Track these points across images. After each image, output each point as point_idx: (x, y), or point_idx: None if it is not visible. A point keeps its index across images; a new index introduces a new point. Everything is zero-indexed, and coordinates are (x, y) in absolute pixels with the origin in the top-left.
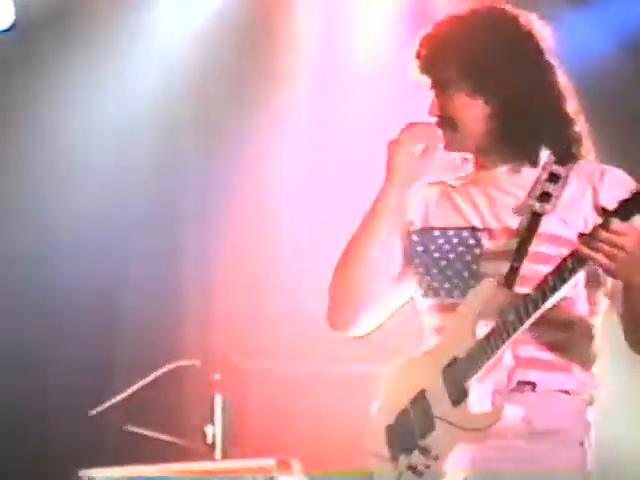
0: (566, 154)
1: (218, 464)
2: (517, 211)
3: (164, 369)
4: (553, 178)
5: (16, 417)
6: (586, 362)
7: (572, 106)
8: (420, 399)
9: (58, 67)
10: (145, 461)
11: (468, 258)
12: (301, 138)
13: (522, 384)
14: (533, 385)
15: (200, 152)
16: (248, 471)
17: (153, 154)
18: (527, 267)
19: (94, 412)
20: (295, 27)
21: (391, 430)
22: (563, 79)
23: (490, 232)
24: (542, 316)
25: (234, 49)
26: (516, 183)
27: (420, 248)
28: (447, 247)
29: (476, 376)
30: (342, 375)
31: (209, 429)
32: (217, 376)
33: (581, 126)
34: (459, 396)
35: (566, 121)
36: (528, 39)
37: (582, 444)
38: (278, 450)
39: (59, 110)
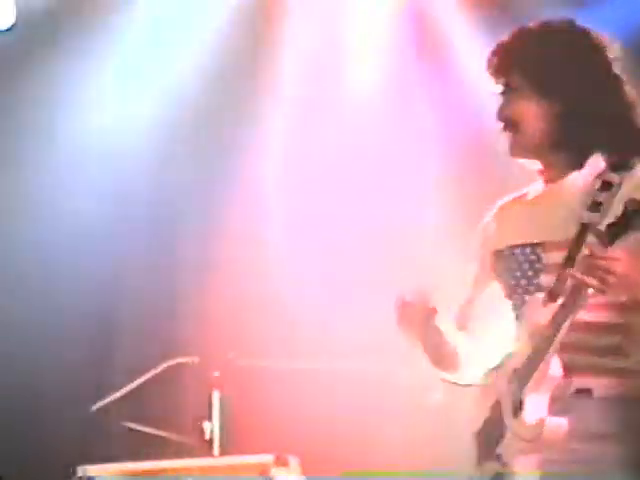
0: (623, 162)
1: (216, 460)
2: (569, 222)
3: (163, 366)
4: (605, 186)
5: (15, 414)
6: None
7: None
8: (497, 407)
9: (57, 67)
10: (143, 457)
11: (530, 273)
12: (292, 151)
13: (579, 391)
14: (589, 391)
15: (198, 158)
16: (246, 467)
17: (154, 155)
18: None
19: (94, 408)
20: (290, 46)
21: (477, 435)
22: (632, 91)
23: (545, 246)
24: (594, 322)
25: (233, 66)
26: (574, 194)
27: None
28: (514, 265)
29: (527, 386)
30: (339, 372)
31: (207, 425)
32: (215, 373)
33: None
34: (517, 407)
35: (629, 129)
36: (595, 50)
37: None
38: (276, 446)
39: (59, 110)
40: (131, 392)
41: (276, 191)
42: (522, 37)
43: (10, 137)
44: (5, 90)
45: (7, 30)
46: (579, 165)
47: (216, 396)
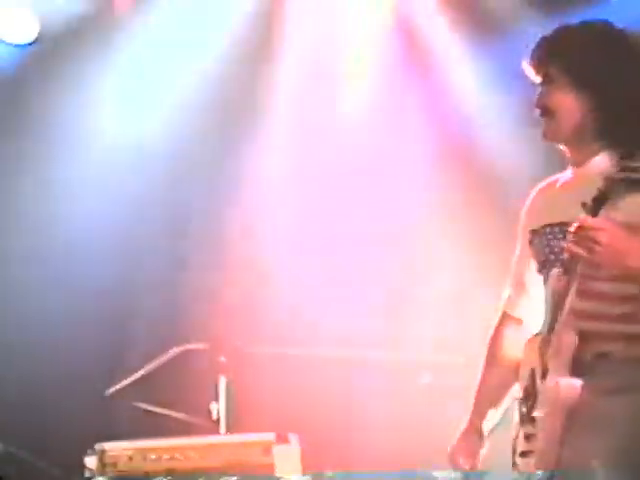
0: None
1: (222, 438)
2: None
3: (174, 352)
4: (623, 170)
5: (37, 396)
6: None
7: None
8: (532, 374)
9: (77, 78)
10: (156, 436)
11: (557, 250)
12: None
13: (599, 355)
14: (607, 355)
15: (206, 168)
16: (250, 444)
17: (166, 166)
18: None
19: (110, 391)
20: (288, 57)
21: (520, 403)
22: None
23: (570, 224)
24: (607, 292)
25: (233, 81)
26: (595, 176)
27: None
28: (545, 243)
29: (549, 353)
30: (336, 357)
31: (214, 407)
32: (222, 359)
33: None
34: (543, 372)
35: None
36: (629, 49)
37: None
38: (277, 426)
39: (79, 120)
40: (145, 376)
41: (277, 193)
42: (563, 33)
43: (32, 142)
44: (28, 99)
45: (31, 43)
46: (608, 150)
47: (222, 380)
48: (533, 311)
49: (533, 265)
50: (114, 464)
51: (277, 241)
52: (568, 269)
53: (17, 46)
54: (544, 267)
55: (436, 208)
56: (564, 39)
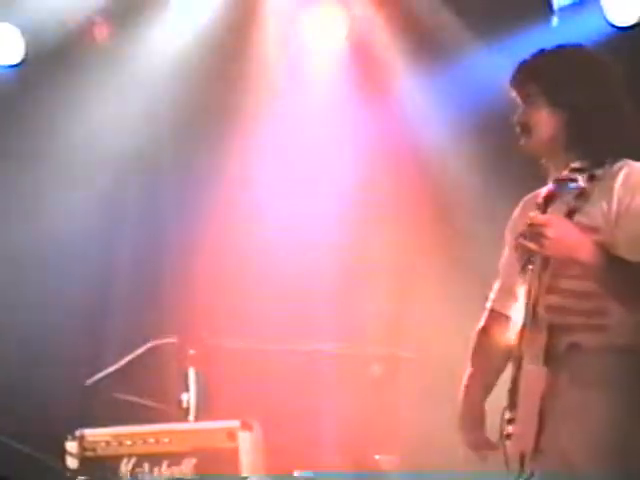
0: (606, 161)
1: (191, 425)
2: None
3: (147, 346)
4: (591, 179)
5: (20, 384)
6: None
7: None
8: (517, 361)
9: (61, 98)
10: (130, 422)
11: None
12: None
13: (571, 346)
14: (579, 345)
15: (183, 152)
16: (216, 430)
17: (145, 163)
18: None
19: (89, 382)
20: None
21: (509, 390)
22: (629, 104)
23: None
24: (577, 290)
25: (213, 73)
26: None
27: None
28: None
29: (524, 345)
30: (298, 351)
31: (184, 396)
32: (191, 351)
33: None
34: (521, 362)
35: (621, 137)
36: (598, 67)
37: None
38: (242, 414)
39: (63, 131)
40: (121, 368)
41: (252, 185)
42: (539, 58)
43: (24, 156)
44: (15, 118)
45: (17, 65)
46: (581, 160)
47: (192, 371)
48: (519, 309)
49: (517, 268)
50: (93, 449)
51: (246, 241)
52: (541, 268)
53: (4, 67)
54: (523, 268)
55: (387, 215)
56: (539, 63)
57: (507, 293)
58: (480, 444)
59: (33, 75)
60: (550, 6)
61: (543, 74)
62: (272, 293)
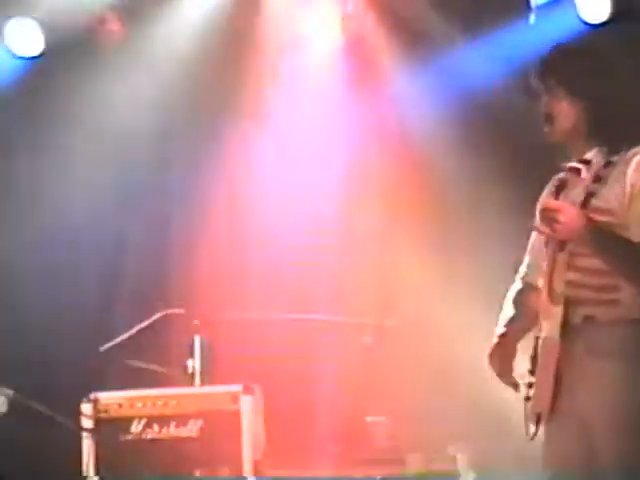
0: (621, 147)
1: (197, 389)
2: (582, 191)
3: (156, 316)
4: (608, 165)
5: (39, 353)
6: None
7: None
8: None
9: (77, 87)
10: (141, 386)
11: None
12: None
13: (586, 318)
14: (593, 318)
15: (191, 135)
16: (220, 394)
17: (155, 135)
18: None
19: (103, 349)
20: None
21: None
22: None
23: None
24: (591, 267)
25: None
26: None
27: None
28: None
29: (543, 316)
30: (296, 320)
31: (190, 362)
32: (196, 322)
33: None
34: (541, 331)
35: (634, 124)
36: (615, 59)
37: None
38: (244, 379)
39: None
40: (132, 335)
41: (256, 174)
42: (557, 51)
43: (47, 134)
44: (35, 109)
45: (37, 57)
46: (600, 146)
47: (197, 339)
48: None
49: (542, 242)
50: (106, 410)
51: (248, 222)
52: (558, 247)
53: (25, 58)
54: (546, 245)
55: (376, 191)
56: (558, 57)
57: (535, 268)
58: (507, 376)
59: (52, 66)
60: (528, 5)
61: (562, 67)
62: (271, 266)
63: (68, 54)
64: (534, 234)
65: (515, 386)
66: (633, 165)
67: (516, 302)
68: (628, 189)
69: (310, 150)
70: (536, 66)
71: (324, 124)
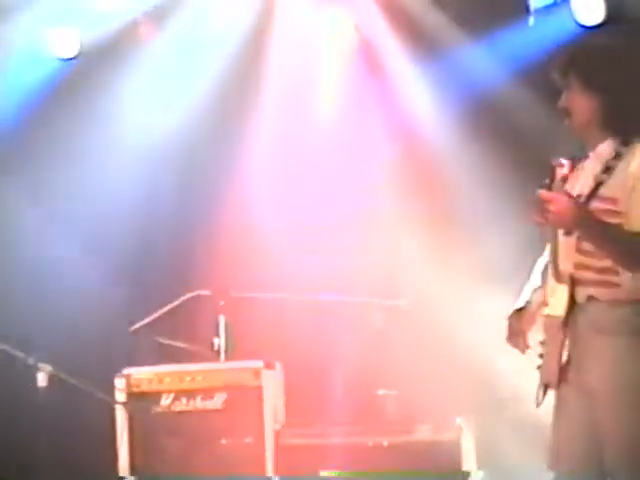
0: (630, 139)
1: (222, 365)
2: (591, 181)
3: (185, 297)
4: (616, 156)
5: (79, 330)
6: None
7: None
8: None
9: (110, 87)
10: (170, 362)
11: None
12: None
13: (589, 298)
14: (595, 298)
15: (212, 148)
16: (243, 369)
17: (182, 146)
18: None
19: (135, 328)
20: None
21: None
22: None
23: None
24: (592, 251)
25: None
26: (597, 161)
27: None
28: None
29: (549, 293)
30: (312, 301)
31: (216, 340)
32: (222, 302)
33: None
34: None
35: None
36: (628, 56)
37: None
38: (265, 355)
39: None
40: (162, 315)
41: (268, 170)
42: (576, 48)
43: (75, 137)
44: (71, 108)
45: (72, 58)
46: (614, 137)
47: (222, 319)
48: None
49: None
50: (137, 385)
51: (267, 209)
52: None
53: (62, 59)
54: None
55: (385, 178)
56: (574, 54)
57: None
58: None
59: (86, 67)
60: (527, 8)
61: (578, 64)
62: (290, 251)
63: (102, 56)
64: None
65: (522, 350)
66: (638, 156)
67: (543, 273)
68: (630, 180)
69: (323, 145)
70: (555, 62)
71: (337, 120)
